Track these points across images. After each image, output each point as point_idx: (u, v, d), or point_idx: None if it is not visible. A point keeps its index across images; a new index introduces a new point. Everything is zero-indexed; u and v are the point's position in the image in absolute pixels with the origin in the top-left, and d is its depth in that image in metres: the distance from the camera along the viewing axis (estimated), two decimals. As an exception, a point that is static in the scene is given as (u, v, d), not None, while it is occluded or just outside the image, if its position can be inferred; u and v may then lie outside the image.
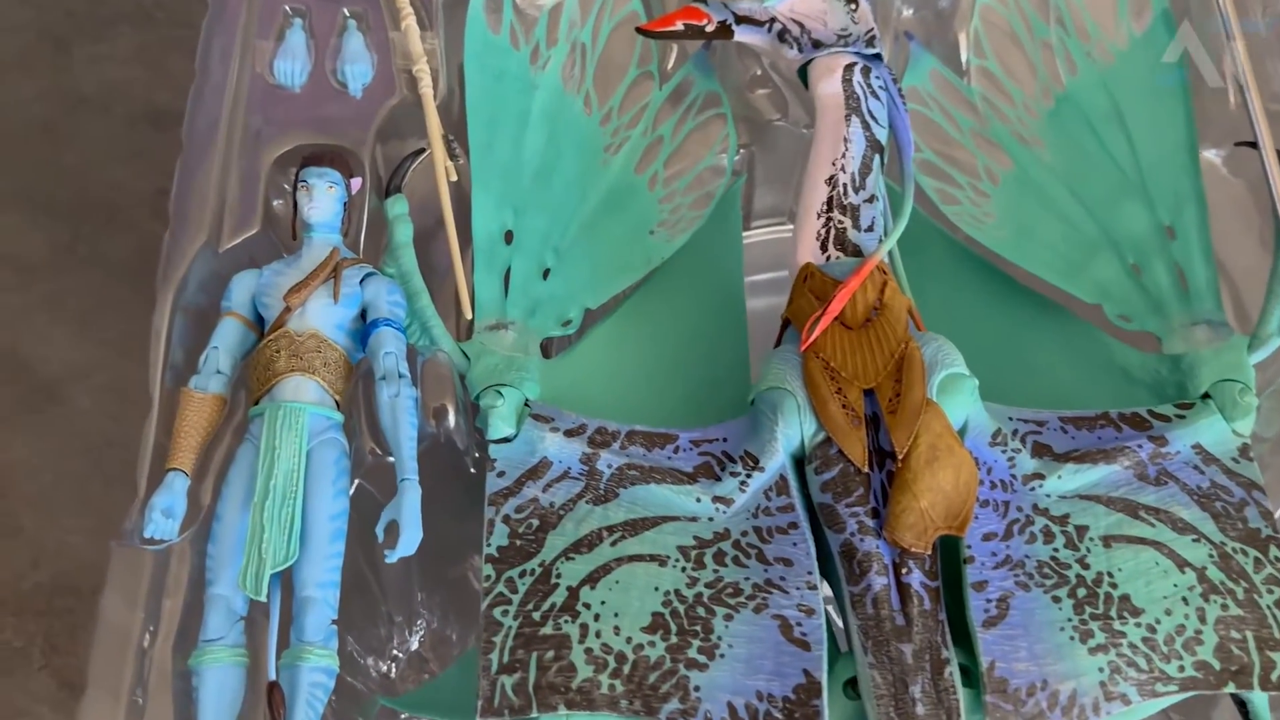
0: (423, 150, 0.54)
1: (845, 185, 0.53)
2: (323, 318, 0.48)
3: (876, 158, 0.54)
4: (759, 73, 0.61)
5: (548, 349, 0.54)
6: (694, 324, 0.57)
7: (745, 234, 0.68)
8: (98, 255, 0.67)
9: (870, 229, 0.53)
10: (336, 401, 0.48)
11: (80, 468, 0.61)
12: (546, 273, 0.55)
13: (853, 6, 0.58)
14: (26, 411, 0.63)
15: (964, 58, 0.63)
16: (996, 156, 0.61)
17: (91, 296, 0.65)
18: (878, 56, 0.56)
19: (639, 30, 0.59)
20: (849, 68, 0.55)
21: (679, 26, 0.59)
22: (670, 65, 0.62)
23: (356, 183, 0.51)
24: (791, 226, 0.69)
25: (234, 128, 0.50)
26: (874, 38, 0.57)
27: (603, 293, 0.55)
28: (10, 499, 0.60)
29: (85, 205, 0.68)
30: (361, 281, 0.49)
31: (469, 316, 0.51)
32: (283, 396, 0.46)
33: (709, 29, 0.59)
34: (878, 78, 0.56)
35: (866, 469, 0.46)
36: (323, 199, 0.49)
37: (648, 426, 0.50)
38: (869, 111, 0.55)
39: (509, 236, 0.55)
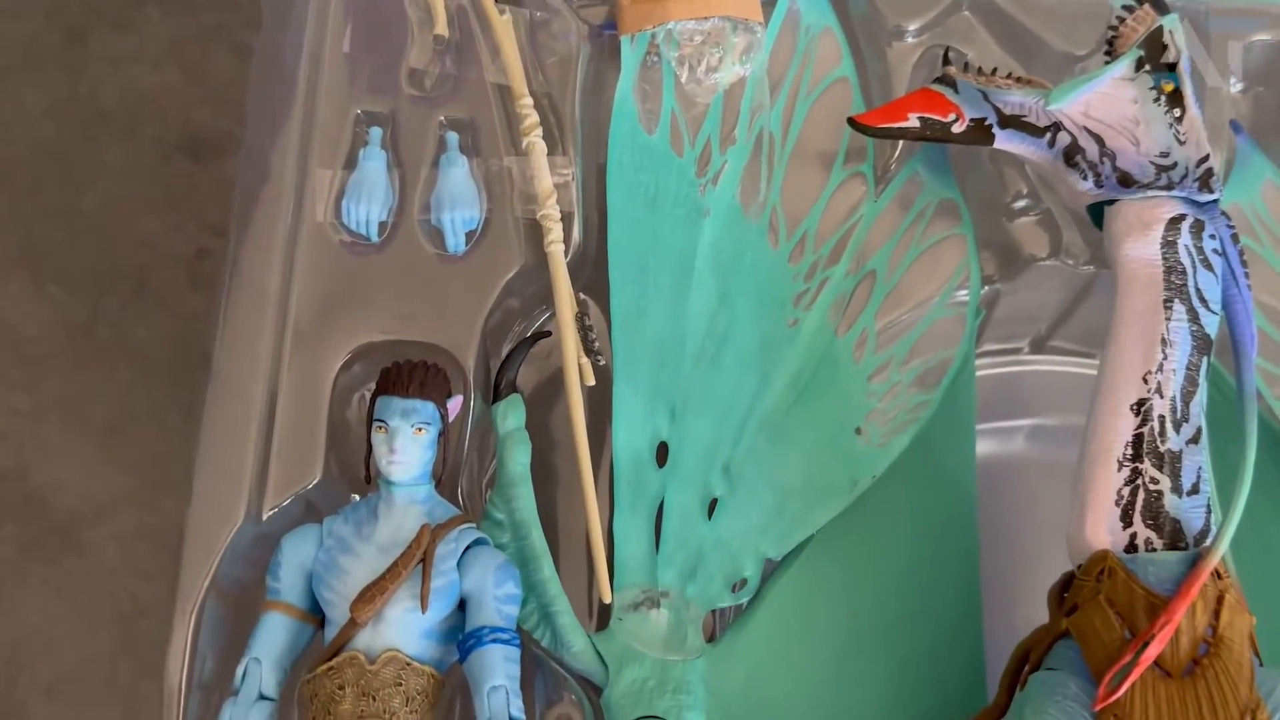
0: (545, 334, 0.39)
1: (1163, 418, 0.37)
2: (405, 630, 0.34)
3: (1204, 363, 0.38)
4: (1023, 191, 0.44)
5: (711, 623, 0.40)
6: (908, 563, 0.42)
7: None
8: (123, 341, 0.54)
9: (1195, 490, 0.37)
10: (424, 745, 0.35)
11: (106, 644, 0.50)
12: (712, 505, 0.41)
13: (1177, 114, 0.40)
14: (39, 560, 0.51)
15: (1317, 164, 0.45)
16: (1360, 330, 0.44)
17: (116, 400, 0.53)
18: (1215, 202, 0.39)
19: (854, 124, 0.43)
20: (1174, 224, 0.39)
21: (912, 122, 0.43)
22: (892, 158, 0.45)
23: (455, 405, 0.37)
24: (1029, 357, 0.54)
25: (285, 320, 0.36)
26: (1211, 170, 0.40)
27: (789, 535, 0.41)
28: (20, 685, 0.50)
29: (108, 271, 0.55)
30: (461, 559, 0.36)
31: (606, 600, 0.38)
32: (349, 764, 0.34)
33: (957, 129, 0.42)
34: (1212, 236, 0.39)
35: None
36: (408, 449, 0.35)
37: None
38: (1198, 292, 0.38)
39: (662, 453, 0.41)
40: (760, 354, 0.42)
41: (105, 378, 0.53)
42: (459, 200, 0.38)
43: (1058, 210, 0.44)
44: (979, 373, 0.49)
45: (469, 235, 0.39)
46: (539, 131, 0.39)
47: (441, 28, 0.40)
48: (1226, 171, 0.45)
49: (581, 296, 0.40)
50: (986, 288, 0.45)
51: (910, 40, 0.44)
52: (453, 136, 0.39)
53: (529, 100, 0.39)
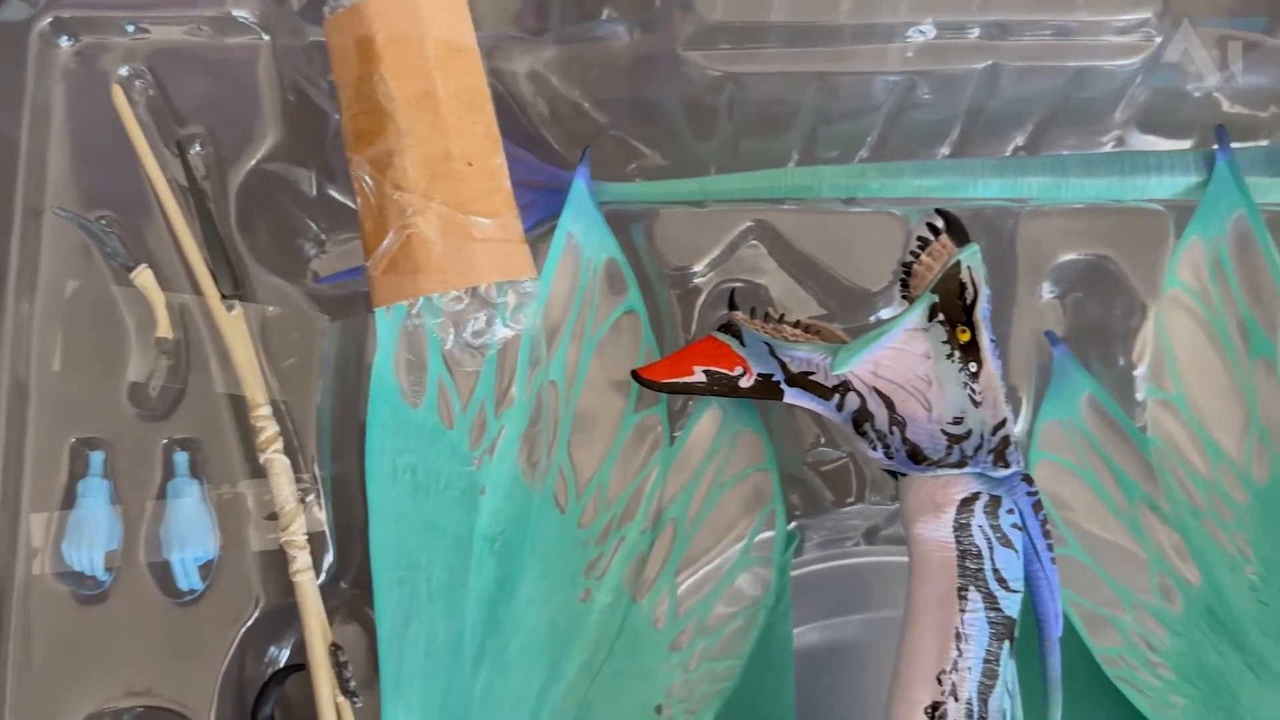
0: (299, 667, 0.37)
1: (957, 721, 0.37)
2: None
3: (1004, 648, 0.37)
4: (821, 439, 0.43)
5: None
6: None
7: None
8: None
9: (994, 798, 0.37)
10: None
11: None
12: (500, 827, 0.40)
13: (972, 369, 0.38)
14: None
15: (1138, 377, 0.44)
16: (1181, 567, 0.43)
17: None
18: (1013, 475, 0.38)
19: (639, 379, 0.41)
20: (966, 504, 0.37)
21: (698, 376, 0.41)
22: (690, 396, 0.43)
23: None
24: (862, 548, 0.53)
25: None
26: (1007, 439, 0.38)
27: None
28: None
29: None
30: None
31: None
32: None
33: (745, 384, 0.40)
34: (1010, 510, 0.38)
35: None
36: None
37: None
38: (995, 573, 0.37)
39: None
40: (549, 640, 0.41)
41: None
42: (189, 535, 0.36)
43: (864, 465, 0.42)
44: (812, 568, 0.49)
45: (203, 570, 0.37)
46: (279, 445, 0.37)
47: (164, 329, 0.37)
48: (1043, 386, 0.44)
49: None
50: (793, 524, 0.44)
51: (697, 280, 0.42)
52: (181, 458, 0.37)
53: (267, 409, 0.37)
